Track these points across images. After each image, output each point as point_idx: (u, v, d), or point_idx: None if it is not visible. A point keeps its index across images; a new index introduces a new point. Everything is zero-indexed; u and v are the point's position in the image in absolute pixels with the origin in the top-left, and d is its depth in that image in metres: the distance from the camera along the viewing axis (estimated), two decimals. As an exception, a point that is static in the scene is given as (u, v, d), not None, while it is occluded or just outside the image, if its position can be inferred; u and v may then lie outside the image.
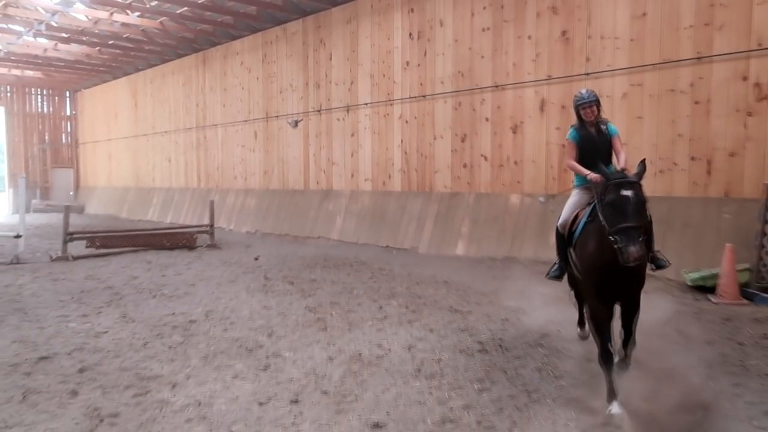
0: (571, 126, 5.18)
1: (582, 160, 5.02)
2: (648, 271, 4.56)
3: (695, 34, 8.76)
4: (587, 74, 9.97)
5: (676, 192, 9.02)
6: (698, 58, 8.73)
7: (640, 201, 3.95)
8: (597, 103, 4.98)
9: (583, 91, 5.10)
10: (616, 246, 3.86)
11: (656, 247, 4.80)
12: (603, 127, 5.05)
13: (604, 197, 4.03)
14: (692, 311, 6.93)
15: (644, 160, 4.32)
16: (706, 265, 8.09)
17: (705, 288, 7.71)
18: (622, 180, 4.02)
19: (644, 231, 3.98)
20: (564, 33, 10.33)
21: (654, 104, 9.27)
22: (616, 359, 4.33)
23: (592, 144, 4.98)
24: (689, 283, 7.96)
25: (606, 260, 4.09)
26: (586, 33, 10.05)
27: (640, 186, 4.04)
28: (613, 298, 4.35)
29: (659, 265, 4.79)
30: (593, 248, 4.33)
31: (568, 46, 10.30)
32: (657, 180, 9.11)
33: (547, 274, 5.29)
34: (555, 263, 5.25)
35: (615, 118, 9.80)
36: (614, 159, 5.07)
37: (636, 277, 4.29)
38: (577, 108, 5.04)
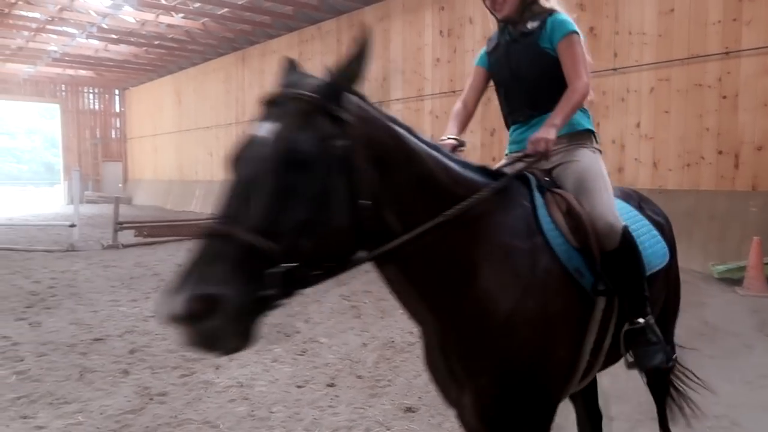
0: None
1: (502, 100, 2.44)
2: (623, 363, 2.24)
3: (723, 29, 8.71)
4: (615, 69, 9.96)
5: (703, 185, 9.02)
6: (726, 53, 8.68)
7: (258, 167, 1.43)
8: None
9: None
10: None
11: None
12: (532, 24, 2.23)
13: None
14: (719, 303, 6.82)
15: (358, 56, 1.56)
16: (733, 257, 8.06)
17: (732, 280, 7.64)
18: (266, 102, 1.57)
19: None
20: (592, 29, 10.30)
21: (681, 99, 9.25)
22: None
23: (511, 66, 2.30)
24: (716, 276, 7.89)
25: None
26: (614, 29, 10.05)
27: (284, 119, 1.48)
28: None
29: (644, 364, 2.06)
30: None
31: (596, 42, 10.27)
32: (684, 173, 9.16)
33: None
34: None
35: (642, 112, 9.78)
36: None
37: (477, 382, 1.80)
38: None
